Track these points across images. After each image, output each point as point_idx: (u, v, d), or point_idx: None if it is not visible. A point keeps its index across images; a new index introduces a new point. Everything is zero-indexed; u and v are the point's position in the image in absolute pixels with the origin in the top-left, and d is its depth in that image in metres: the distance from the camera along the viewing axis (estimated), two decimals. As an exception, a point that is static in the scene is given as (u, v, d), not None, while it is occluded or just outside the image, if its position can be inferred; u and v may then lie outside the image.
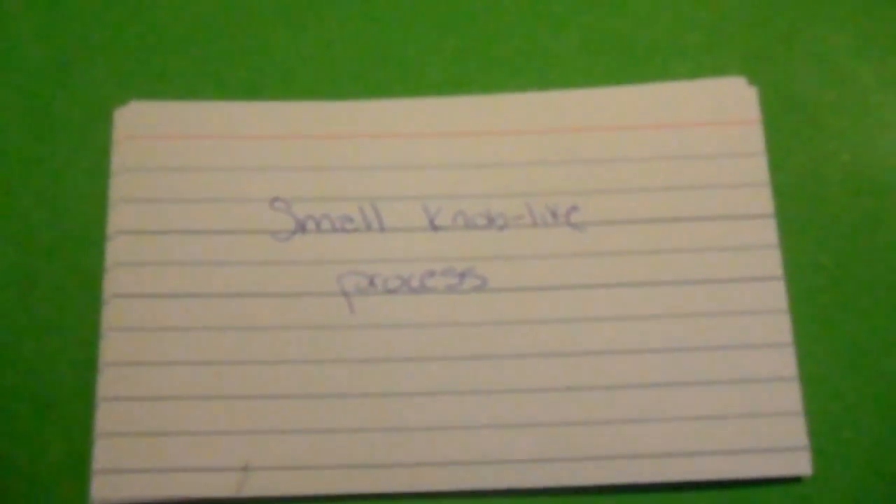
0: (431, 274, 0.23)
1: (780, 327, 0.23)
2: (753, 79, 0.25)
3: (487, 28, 0.26)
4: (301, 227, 0.24)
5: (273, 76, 0.25)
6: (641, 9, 0.26)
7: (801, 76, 0.25)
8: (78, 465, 0.22)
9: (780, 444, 0.22)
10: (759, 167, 0.24)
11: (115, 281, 0.23)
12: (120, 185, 0.24)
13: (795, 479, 0.22)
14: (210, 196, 0.24)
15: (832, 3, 0.26)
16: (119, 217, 0.23)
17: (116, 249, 0.23)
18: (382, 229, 0.24)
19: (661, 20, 0.26)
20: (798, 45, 0.26)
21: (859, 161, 0.25)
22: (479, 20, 0.26)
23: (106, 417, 0.22)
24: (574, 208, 0.24)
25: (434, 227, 0.24)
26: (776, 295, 0.23)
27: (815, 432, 0.22)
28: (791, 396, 0.22)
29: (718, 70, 0.25)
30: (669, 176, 0.24)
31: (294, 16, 0.26)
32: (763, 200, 0.24)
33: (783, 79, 0.25)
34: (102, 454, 0.22)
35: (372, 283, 0.23)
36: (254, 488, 0.22)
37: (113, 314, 0.23)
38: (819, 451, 0.22)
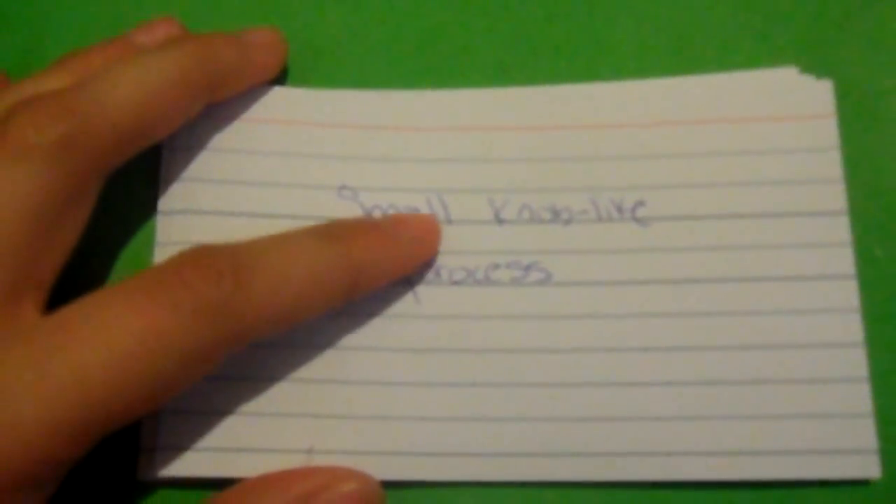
0: (496, 266, 0.24)
1: (851, 327, 0.22)
2: (809, 67, 0.24)
3: (537, 15, 0.26)
4: (368, 217, 0.24)
5: (327, 63, 0.26)
6: None
7: (859, 63, 0.25)
8: (128, 441, 0.22)
9: (849, 445, 0.22)
10: (832, 163, 0.24)
11: None
12: (181, 164, 0.24)
13: (863, 482, 0.22)
14: (276, 180, 0.24)
15: None
16: (179, 197, 0.24)
17: (173, 228, 0.24)
18: (449, 221, 0.24)
19: (714, 7, 0.26)
20: (856, 32, 0.25)
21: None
22: (528, 7, 0.26)
23: None
24: (640, 203, 0.24)
25: (499, 221, 0.24)
26: (847, 294, 0.23)
27: (884, 435, 0.22)
28: (861, 398, 0.22)
29: (774, 59, 0.25)
30: (738, 171, 0.24)
31: (349, 9, 0.26)
32: (836, 197, 0.23)
33: (841, 66, 0.25)
34: (168, 430, 0.22)
35: (438, 273, 0.24)
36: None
37: None
38: (888, 454, 0.22)
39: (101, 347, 0.18)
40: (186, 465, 0.22)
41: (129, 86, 0.21)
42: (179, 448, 0.22)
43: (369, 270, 0.22)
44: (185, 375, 0.19)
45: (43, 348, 0.18)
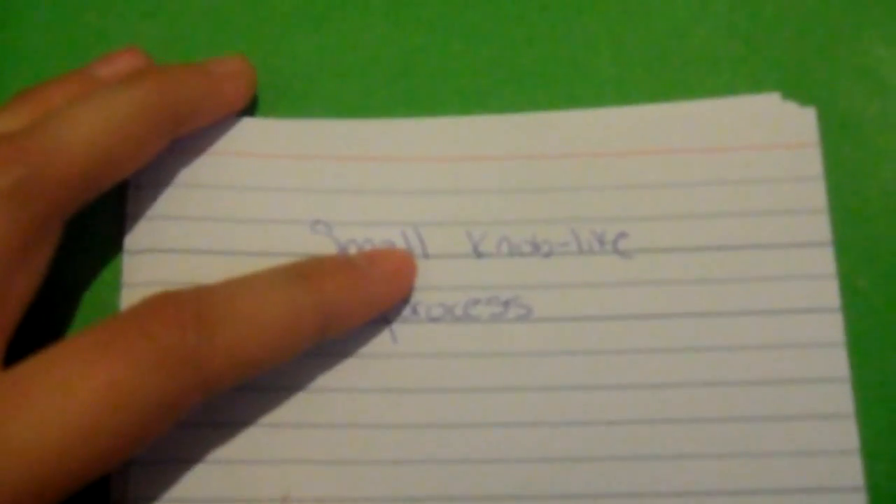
0: (475, 302, 0.23)
1: (837, 361, 0.22)
2: (792, 94, 0.24)
3: (516, 39, 0.25)
4: (343, 252, 0.23)
5: (297, 91, 0.25)
6: (676, 20, 0.25)
7: (842, 90, 0.24)
8: (99, 493, 0.22)
9: (836, 483, 0.21)
10: (816, 193, 0.23)
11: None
12: (147, 201, 0.23)
13: (851, 520, 0.21)
14: (247, 216, 0.23)
15: (874, 14, 0.25)
16: (146, 235, 0.23)
17: (141, 268, 0.23)
18: (426, 255, 0.23)
19: (695, 32, 0.25)
20: (839, 58, 0.25)
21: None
22: (507, 33, 0.25)
23: None
24: (622, 235, 0.23)
25: (478, 254, 0.23)
26: (833, 327, 0.22)
27: (870, 468, 0.21)
28: (848, 434, 0.22)
29: (755, 85, 0.24)
30: (722, 201, 0.23)
31: (320, 30, 0.25)
32: (821, 228, 0.23)
33: (824, 93, 0.24)
34: (137, 482, 0.21)
35: (415, 310, 0.23)
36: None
37: None
38: (875, 490, 0.21)
39: (60, 406, 0.17)
40: None
41: (89, 125, 0.20)
42: (151, 499, 0.21)
43: (342, 311, 0.21)
44: (149, 430, 0.18)
45: (0, 407, 0.17)
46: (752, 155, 0.24)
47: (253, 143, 0.24)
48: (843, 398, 0.22)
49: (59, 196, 0.20)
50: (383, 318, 0.23)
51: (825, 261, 0.23)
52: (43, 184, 0.19)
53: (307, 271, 0.21)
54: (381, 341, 0.23)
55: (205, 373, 0.19)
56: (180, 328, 0.18)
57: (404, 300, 0.23)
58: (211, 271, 0.22)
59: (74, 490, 0.18)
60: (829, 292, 0.22)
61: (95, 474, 0.18)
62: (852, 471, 0.21)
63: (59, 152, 0.20)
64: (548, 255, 0.23)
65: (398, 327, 0.23)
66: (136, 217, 0.23)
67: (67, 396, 0.17)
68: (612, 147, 0.24)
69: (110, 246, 0.23)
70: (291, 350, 0.21)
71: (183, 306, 0.19)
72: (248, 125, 0.24)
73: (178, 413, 0.19)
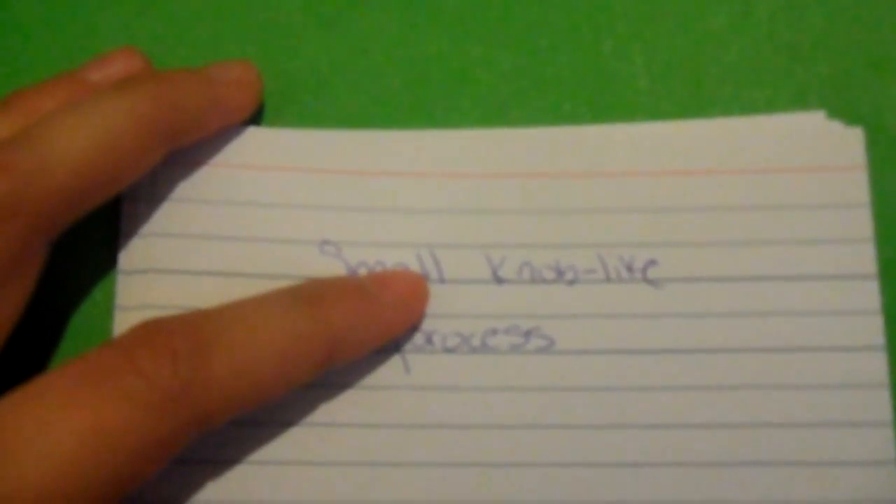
0: (494, 332, 0.22)
1: (881, 402, 0.21)
2: (838, 112, 0.23)
3: (540, 46, 0.24)
4: (352, 275, 0.22)
5: (306, 99, 0.24)
6: (713, 28, 0.24)
7: (892, 109, 0.23)
8: None
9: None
10: (862, 221, 0.22)
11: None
12: (143, 217, 0.22)
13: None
14: (251, 235, 0.22)
15: None
16: (141, 254, 0.22)
17: (135, 290, 0.22)
18: (442, 280, 0.22)
19: (734, 42, 0.24)
20: (890, 74, 0.23)
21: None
22: (530, 39, 0.24)
23: None
24: (652, 262, 0.22)
25: (498, 280, 0.22)
26: (877, 366, 0.21)
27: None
28: (891, 477, 0.20)
29: (798, 101, 0.23)
30: (759, 228, 0.22)
31: (331, 33, 0.24)
32: (866, 259, 0.22)
33: (872, 112, 0.23)
34: None
35: (429, 340, 0.22)
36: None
37: None
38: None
39: (40, 452, 0.16)
40: None
41: (78, 137, 0.19)
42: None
43: (348, 339, 0.20)
44: (138, 472, 0.17)
45: None
46: (793, 178, 0.22)
47: (258, 154, 0.23)
48: (885, 441, 0.21)
49: (45, 212, 0.19)
50: (395, 347, 0.22)
51: (870, 295, 0.21)
52: (28, 200, 0.18)
53: (311, 295, 0.20)
54: (392, 372, 0.22)
55: (199, 408, 0.18)
56: (172, 361, 0.17)
57: (416, 327, 0.22)
58: (211, 294, 0.20)
59: None
60: (874, 329, 0.21)
61: None
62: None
63: (43, 168, 0.19)
64: (572, 282, 0.22)
65: (411, 357, 0.22)
66: (131, 234, 0.22)
67: (48, 443, 0.16)
68: (643, 166, 0.22)
69: (103, 265, 0.22)
70: (293, 381, 0.19)
71: (176, 337, 0.18)
72: (252, 135, 0.23)
73: (170, 452, 0.18)
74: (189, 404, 0.18)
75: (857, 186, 0.22)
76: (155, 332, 0.18)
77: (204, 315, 0.19)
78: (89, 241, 0.22)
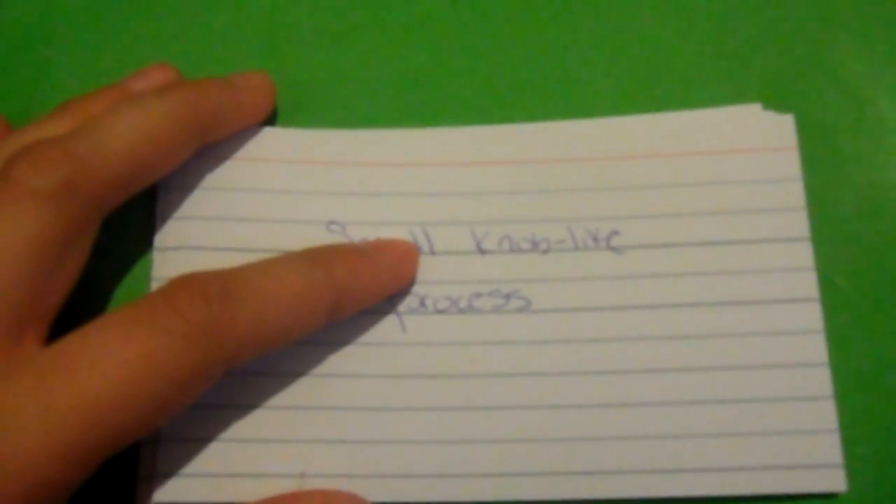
0: (478, 295, 0.25)
1: (816, 347, 0.24)
2: (772, 104, 0.26)
3: (516, 56, 0.27)
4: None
5: (314, 103, 0.27)
6: (665, 38, 0.27)
7: (819, 101, 0.26)
8: (125, 468, 0.23)
9: (816, 461, 0.23)
10: (795, 192, 0.25)
11: None
12: (175, 203, 0.25)
13: (830, 496, 0.23)
14: (267, 217, 0.25)
15: (848, 32, 0.27)
16: (173, 234, 0.25)
17: (168, 263, 0.25)
18: (433, 252, 0.25)
19: (683, 49, 0.27)
20: (817, 71, 0.26)
21: (876, 184, 0.25)
22: (507, 51, 0.27)
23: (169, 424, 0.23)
24: (614, 232, 0.25)
25: (481, 251, 0.25)
26: (812, 316, 0.24)
27: (849, 450, 0.23)
28: (826, 414, 0.23)
29: (739, 97, 0.26)
30: (707, 201, 0.25)
31: (336, 49, 0.27)
32: (800, 224, 0.24)
33: (802, 104, 0.26)
34: (165, 458, 0.23)
35: (423, 303, 0.24)
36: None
37: None
38: (853, 469, 0.23)
39: (99, 375, 0.19)
40: (183, 490, 0.23)
41: (126, 131, 0.22)
42: (176, 475, 0.23)
43: (351, 292, 0.23)
44: (178, 397, 0.20)
45: (44, 378, 0.19)
46: (735, 158, 0.25)
47: (273, 150, 0.26)
48: (822, 381, 0.23)
49: (99, 195, 0.22)
50: (394, 309, 0.24)
51: (804, 254, 0.24)
52: (86, 183, 0.21)
53: (320, 256, 0.23)
54: (391, 331, 0.24)
55: (228, 344, 0.20)
56: (206, 302, 0.20)
57: (410, 291, 0.24)
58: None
59: (111, 454, 0.19)
60: (809, 283, 0.24)
61: (130, 440, 0.19)
62: (831, 449, 0.23)
63: (98, 156, 0.22)
64: (546, 251, 0.25)
65: (407, 318, 0.24)
66: (165, 217, 0.25)
67: (106, 367, 0.19)
68: (606, 153, 0.25)
69: (141, 244, 0.25)
70: (307, 325, 0.22)
71: (208, 284, 0.20)
72: (269, 134, 0.26)
73: (204, 381, 0.20)
74: (219, 341, 0.20)
75: (790, 163, 0.25)
76: (191, 280, 0.21)
77: (232, 270, 0.21)
78: (131, 223, 0.25)
